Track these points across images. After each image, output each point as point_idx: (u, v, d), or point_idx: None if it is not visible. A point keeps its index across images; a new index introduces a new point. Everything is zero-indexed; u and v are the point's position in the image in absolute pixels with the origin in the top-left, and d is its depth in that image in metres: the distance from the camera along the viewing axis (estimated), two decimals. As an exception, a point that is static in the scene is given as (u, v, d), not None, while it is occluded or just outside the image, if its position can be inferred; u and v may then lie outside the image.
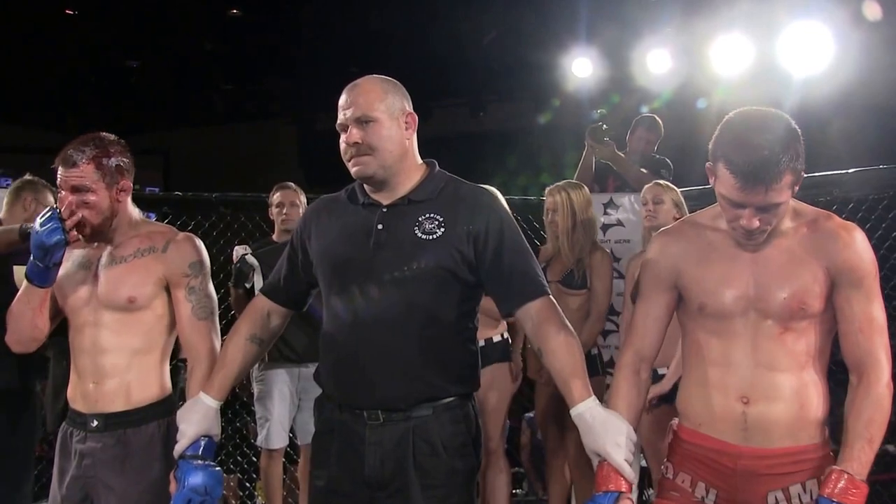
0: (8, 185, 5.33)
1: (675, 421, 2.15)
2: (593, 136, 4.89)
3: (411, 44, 7.69)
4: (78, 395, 2.41)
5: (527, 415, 5.48)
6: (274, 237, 4.38)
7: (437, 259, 2.08)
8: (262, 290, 2.41)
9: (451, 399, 2.12)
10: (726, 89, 5.89)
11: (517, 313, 2.14)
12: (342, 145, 2.16)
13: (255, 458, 5.28)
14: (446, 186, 2.19)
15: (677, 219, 3.22)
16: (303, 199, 4.32)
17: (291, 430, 4.26)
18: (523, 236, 2.21)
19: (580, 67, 6.41)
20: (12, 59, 8.12)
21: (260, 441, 4.23)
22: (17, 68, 8.30)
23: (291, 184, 4.39)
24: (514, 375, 3.90)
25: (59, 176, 2.36)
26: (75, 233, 2.32)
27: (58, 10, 7.82)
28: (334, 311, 2.17)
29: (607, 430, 1.96)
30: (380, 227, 2.13)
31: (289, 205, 4.27)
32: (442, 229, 2.10)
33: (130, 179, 2.43)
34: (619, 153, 4.93)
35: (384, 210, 2.15)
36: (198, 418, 2.22)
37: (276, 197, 4.33)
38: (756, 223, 1.92)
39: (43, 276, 2.33)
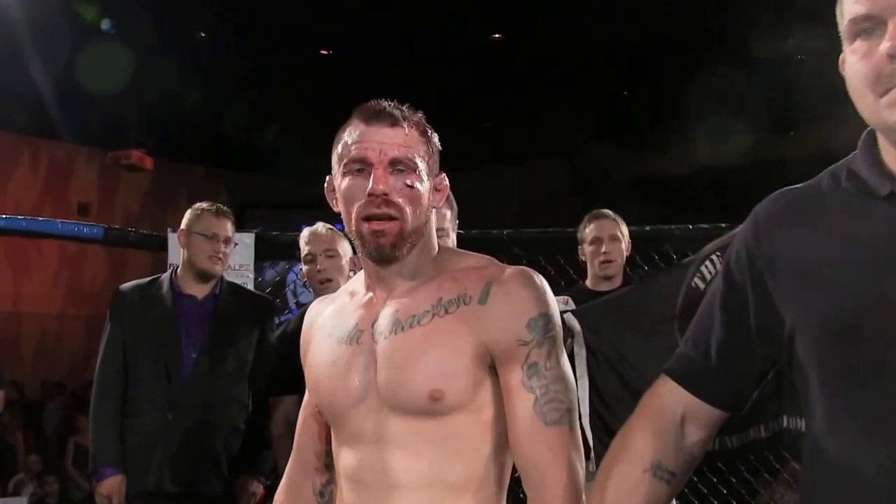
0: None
1: None
2: None
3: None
4: None
5: None
6: (587, 284, 3.39)
7: None
8: (668, 373, 1.32)
9: None
10: None
11: None
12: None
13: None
14: None
15: None
16: (625, 230, 3.34)
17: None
18: None
19: None
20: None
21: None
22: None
23: (608, 211, 3.41)
24: None
25: (358, 144, 1.39)
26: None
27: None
28: (850, 423, 1.09)
29: None
30: None
31: (608, 240, 3.30)
32: None
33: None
34: None
35: None
36: None
37: (589, 230, 3.37)
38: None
39: None
